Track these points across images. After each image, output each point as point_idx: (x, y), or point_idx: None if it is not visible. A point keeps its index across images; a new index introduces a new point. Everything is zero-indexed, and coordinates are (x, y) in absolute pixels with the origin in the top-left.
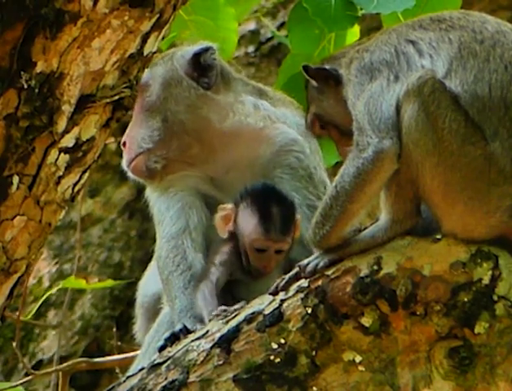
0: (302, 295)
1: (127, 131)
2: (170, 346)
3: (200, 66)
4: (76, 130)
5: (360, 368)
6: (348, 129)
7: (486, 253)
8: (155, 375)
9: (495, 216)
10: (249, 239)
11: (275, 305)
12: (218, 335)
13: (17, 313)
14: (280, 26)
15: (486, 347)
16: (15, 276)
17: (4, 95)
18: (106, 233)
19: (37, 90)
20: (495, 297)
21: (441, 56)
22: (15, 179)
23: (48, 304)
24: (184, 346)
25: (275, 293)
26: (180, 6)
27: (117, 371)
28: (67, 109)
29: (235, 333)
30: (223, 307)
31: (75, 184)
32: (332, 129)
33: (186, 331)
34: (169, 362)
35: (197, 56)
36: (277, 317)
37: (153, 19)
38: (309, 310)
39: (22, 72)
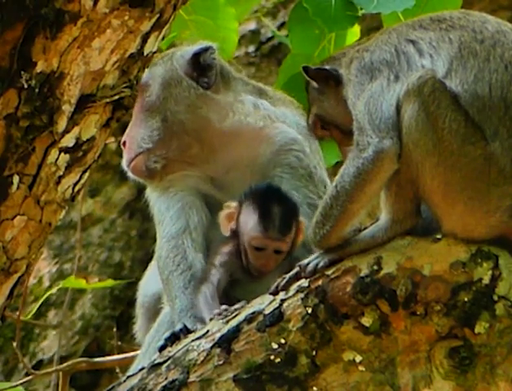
0: (302, 295)
1: (127, 131)
2: (171, 346)
3: (199, 66)
4: (76, 130)
5: (360, 368)
6: (350, 129)
7: (486, 253)
8: (155, 375)
9: (495, 216)
10: (248, 236)
11: (275, 304)
12: (218, 335)
13: (17, 313)
14: (281, 26)
15: (486, 347)
16: (16, 276)
17: (4, 95)
18: (106, 233)
19: (37, 90)
20: (495, 297)
21: (441, 56)
22: (16, 179)
23: (48, 304)
24: (184, 346)
25: (275, 293)
26: (180, 5)
27: (117, 371)
28: (67, 109)
29: (235, 333)
30: (224, 306)
31: (75, 184)
32: (333, 129)
33: (186, 331)
34: (169, 361)
35: (197, 56)
36: (277, 317)
37: (153, 19)
38: (309, 310)
39: (22, 72)
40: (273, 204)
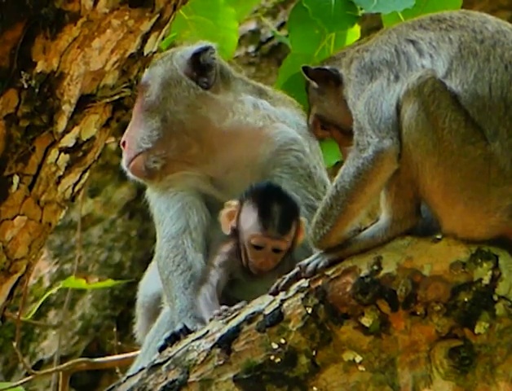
0: (302, 295)
1: (127, 131)
2: (171, 346)
3: (199, 66)
4: (76, 130)
5: (360, 368)
6: (350, 129)
7: (486, 253)
8: (155, 375)
9: (495, 216)
10: (247, 235)
11: (275, 305)
12: (218, 335)
13: (17, 313)
14: (281, 26)
15: (486, 347)
16: (16, 276)
17: (4, 95)
18: (106, 233)
19: (37, 90)
20: (495, 297)
21: (441, 56)
22: (16, 179)
23: (48, 304)
24: (184, 346)
25: (275, 293)
26: (180, 5)
27: (117, 371)
28: (67, 109)
29: (235, 333)
30: (224, 307)
31: (75, 184)
32: (334, 129)
33: (186, 331)
34: (169, 362)
35: (196, 56)
36: (277, 317)
37: (153, 19)
38: (309, 310)
39: (22, 72)
40: (273, 203)
